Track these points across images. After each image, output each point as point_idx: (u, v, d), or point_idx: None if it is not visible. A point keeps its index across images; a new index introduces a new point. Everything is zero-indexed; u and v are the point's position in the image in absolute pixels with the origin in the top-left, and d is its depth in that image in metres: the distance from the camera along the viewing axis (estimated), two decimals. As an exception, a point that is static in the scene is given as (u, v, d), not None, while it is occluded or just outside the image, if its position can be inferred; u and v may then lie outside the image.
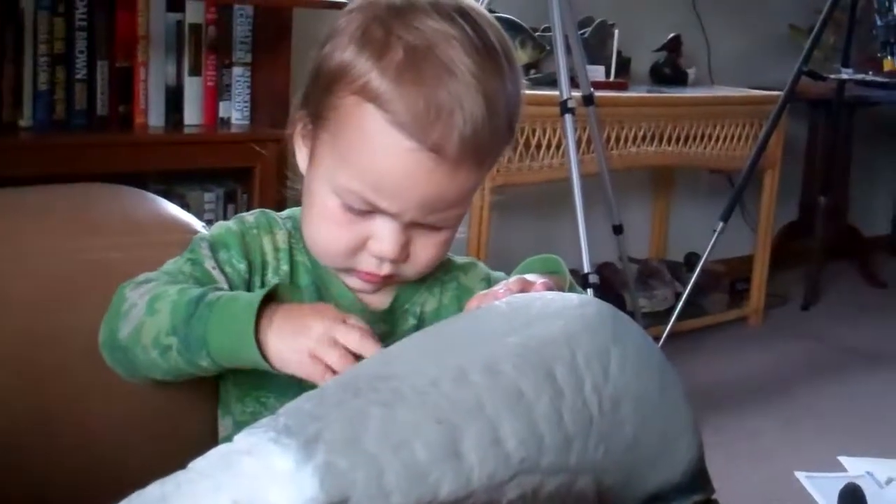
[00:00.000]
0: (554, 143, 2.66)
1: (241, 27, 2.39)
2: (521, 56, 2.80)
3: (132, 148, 2.23)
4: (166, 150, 2.27)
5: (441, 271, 1.02)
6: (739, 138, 3.23)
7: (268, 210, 1.03)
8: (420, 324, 1.00)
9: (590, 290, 2.24)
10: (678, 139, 3.06)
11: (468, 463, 0.66)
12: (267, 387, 0.97)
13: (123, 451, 1.02)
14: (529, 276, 0.91)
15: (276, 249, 0.99)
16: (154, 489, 0.62)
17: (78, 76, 2.19)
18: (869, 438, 2.63)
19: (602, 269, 3.11)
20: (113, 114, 2.26)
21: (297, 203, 1.00)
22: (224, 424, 1.02)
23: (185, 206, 2.13)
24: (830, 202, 3.83)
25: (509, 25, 2.71)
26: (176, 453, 0.67)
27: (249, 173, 2.30)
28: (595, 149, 2.65)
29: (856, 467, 2.43)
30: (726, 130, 3.19)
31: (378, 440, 0.64)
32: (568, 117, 2.33)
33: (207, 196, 2.33)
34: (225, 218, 2.25)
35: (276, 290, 0.89)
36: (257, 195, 2.29)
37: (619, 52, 3.07)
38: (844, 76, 3.51)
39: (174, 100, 2.33)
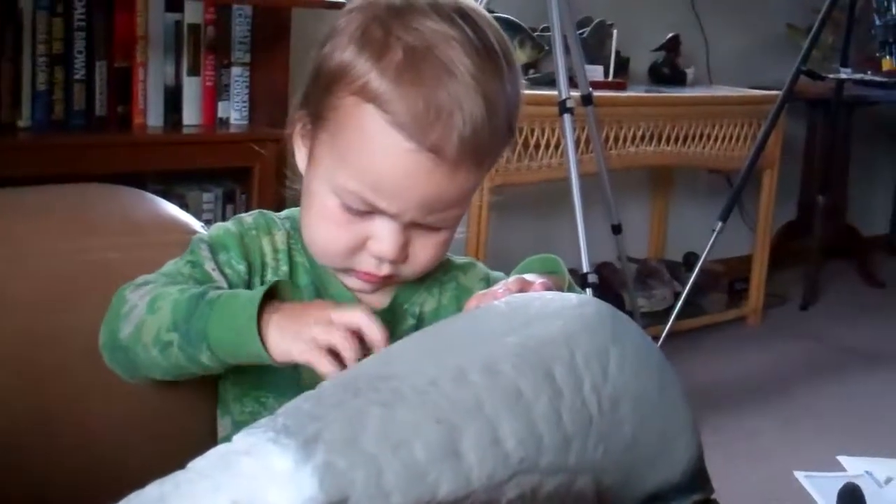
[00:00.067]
0: (553, 142, 2.66)
1: (240, 27, 2.39)
2: (520, 56, 2.80)
3: (131, 148, 2.23)
4: (165, 150, 2.27)
5: (440, 271, 1.02)
6: (738, 138, 3.23)
7: (266, 211, 1.03)
8: (419, 324, 1.00)
9: (589, 290, 2.24)
10: (677, 139, 3.06)
11: (467, 463, 0.66)
12: (266, 387, 0.97)
13: (123, 451, 1.02)
14: (528, 276, 0.91)
15: (275, 250, 0.99)
16: (153, 489, 0.62)
17: (76, 76, 2.19)
18: (868, 438, 2.63)
19: (601, 268, 3.11)
20: (111, 114, 2.26)
21: (296, 203, 1.00)
22: (223, 424, 1.02)
23: (184, 206, 2.12)
24: (829, 202, 3.83)
25: (508, 25, 2.71)
26: (175, 453, 0.67)
27: (248, 173, 2.30)
28: (594, 148, 2.65)
29: (855, 467, 2.43)
30: (725, 130, 3.19)
31: (377, 440, 0.64)
32: (567, 117, 2.33)
33: (206, 196, 2.33)
34: (224, 218, 2.26)
35: (277, 287, 0.89)
36: (256, 195, 2.29)
37: (617, 52, 3.07)
38: (843, 76, 3.51)
39: (173, 100, 2.33)
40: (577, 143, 2.38)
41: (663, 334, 2.79)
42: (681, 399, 0.82)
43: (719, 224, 2.91)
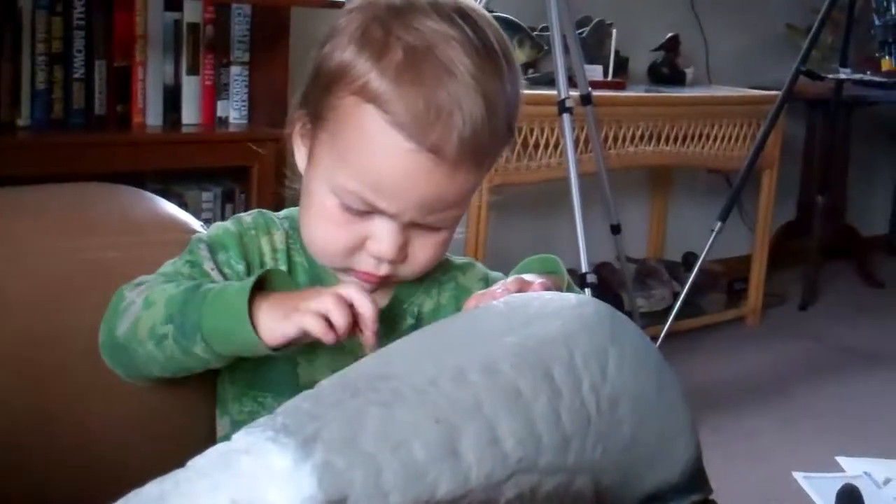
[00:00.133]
0: (552, 142, 2.66)
1: (239, 26, 2.39)
2: (519, 55, 2.80)
3: (130, 147, 2.22)
4: (164, 149, 2.27)
5: (439, 271, 1.02)
6: (737, 138, 3.23)
7: (265, 210, 1.03)
8: (418, 323, 1.00)
9: (588, 290, 2.24)
10: (676, 139, 3.06)
11: (466, 462, 0.66)
12: (264, 386, 0.98)
13: (123, 451, 1.02)
14: (527, 276, 0.91)
15: (274, 250, 0.99)
16: (152, 488, 0.62)
17: (76, 75, 2.19)
18: (867, 438, 2.64)
19: (600, 268, 3.11)
20: (111, 113, 2.26)
21: (296, 203, 1.00)
22: (222, 424, 1.02)
23: (183, 205, 2.13)
24: (828, 202, 3.83)
25: (507, 25, 2.71)
26: (175, 453, 0.67)
27: (247, 173, 2.30)
28: (593, 148, 2.65)
29: (853, 467, 2.43)
30: (724, 130, 3.19)
31: (376, 439, 0.64)
32: (566, 117, 2.33)
33: (205, 195, 2.33)
34: (223, 217, 2.26)
35: (270, 277, 0.89)
36: (255, 195, 2.29)
37: (616, 52, 3.07)
38: (842, 76, 3.51)
39: (172, 99, 2.33)
40: (576, 142, 2.38)
41: (662, 334, 2.79)
42: (679, 399, 0.82)
43: (718, 224, 2.91)
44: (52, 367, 0.99)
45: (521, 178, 2.65)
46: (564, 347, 0.75)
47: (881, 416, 2.85)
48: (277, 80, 2.39)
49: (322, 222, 0.94)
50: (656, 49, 3.42)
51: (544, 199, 3.16)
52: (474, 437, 0.67)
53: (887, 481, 2.34)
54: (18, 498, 0.97)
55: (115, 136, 2.23)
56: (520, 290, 0.88)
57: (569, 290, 0.95)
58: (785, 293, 3.82)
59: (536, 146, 2.65)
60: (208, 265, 0.96)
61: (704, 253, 2.91)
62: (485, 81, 0.88)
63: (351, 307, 0.86)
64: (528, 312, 0.79)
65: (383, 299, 1.00)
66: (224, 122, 2.40)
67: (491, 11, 1.02)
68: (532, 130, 2.63)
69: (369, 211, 0.91)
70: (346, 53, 0.90)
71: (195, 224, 1.12)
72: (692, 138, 3.10)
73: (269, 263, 0.99)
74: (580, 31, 2.90)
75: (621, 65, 3.17)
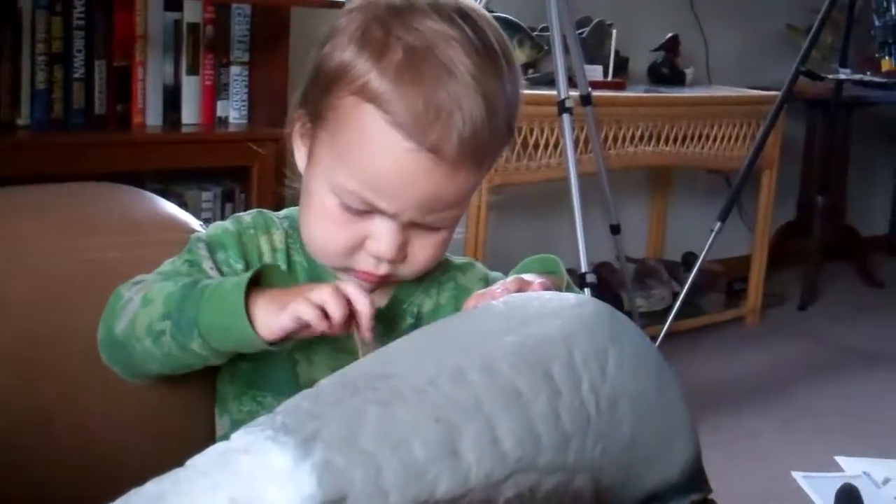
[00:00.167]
0: (552, 142, 2.66)
1: (239, 26, 2.39)
2: (519, 55, 2.80)
3: (130, 147, 2.23)
4: (164, 149, 2.27)
5: (439, 271, 1.02)
6: (737, 138, 3.23)
7: (264, 210, 1.03)
8: (417, 323, 1.00)
9: (587, 290, 2.24)
10: (676, 139, 3.06)
11: (466, 462, 0.67)
12: (264, 385, 0.98)
13: (122, 451, 1.02)
14: (527, 276, 0.91)
15: (274, 249, 0.99)
16: (152, 486, 0.62)
17: (76, 75, 2.19)
18: (866, 438, 2.64)
19: (599, 268, 3.11)
20: (111, 113, 2.26)
21: (295, 202, 1.00)
22: (221, 423, 1.02)
23: (183, 205, 2.12)
24: (828, 202, 3.83)
25: (507, 25, 2.71)
26: (174, 452, 0.67)
27: (247, 172, 2.30)
28: (593, 148, 2.65)
29: (853, 467, 2.43)
30: (724, 130, 3.19)
31: (376, 438, 0.64)
32: (566, 117, 2.33)
33: (205, 195, 2.33)
34: (223, 217, 2.25)
35: (266, 273, 0.89)
36: (255, 194, 2.29)
37: (616, 52, 3.07)
38: (842, 76, 3.51)
39: (172, 99, 2.33)
40: (576, 142, 2.38)
41: (662, 334, 2.79)
42: (679, 399, 0.82)
43: (718, 224, 2.91)
44: (51, 366, 0.99)
45: (520, 178, 2.65)
46: (564, 347, 0.75)
47: (881, 416, 2.85)
48: (277, 80, 2.39)
49: (322, 222, 0.94)
50: (656, 49, 3.42)
51: (544, 199, 3.16)
52: (474, 437, 0.67)
53: (886, 481, 2.34)
54: (18, 498, 0.97)
55: (115, 136, 2.23)
56: (519, 290, 0.88)
57: (568, 289, 0.95)
58: (784, 293, 3.82)
59: (536, 146, 2.65)
60: (207, 264, 0.96)
61: (704, 253, 2.91)
62: (485, 81, 0.88)
63: (348, 303, 0.86)
64: (528, 312, 0.79)
65: (383, 299, 1.00)
66: (224, 122, 2.40)
67: (491, 11, 1.02)
68: (532, 130, 2.63)
69: (369, 210, 0.91)
70: (346, 53, 0.90)
71: (195, 224, 1.12)
72: (692, 138, 3.10)
73: (269, 263, 0.99)
74: (580, 31, 2.90)
75: (621, 65, 3.17)
